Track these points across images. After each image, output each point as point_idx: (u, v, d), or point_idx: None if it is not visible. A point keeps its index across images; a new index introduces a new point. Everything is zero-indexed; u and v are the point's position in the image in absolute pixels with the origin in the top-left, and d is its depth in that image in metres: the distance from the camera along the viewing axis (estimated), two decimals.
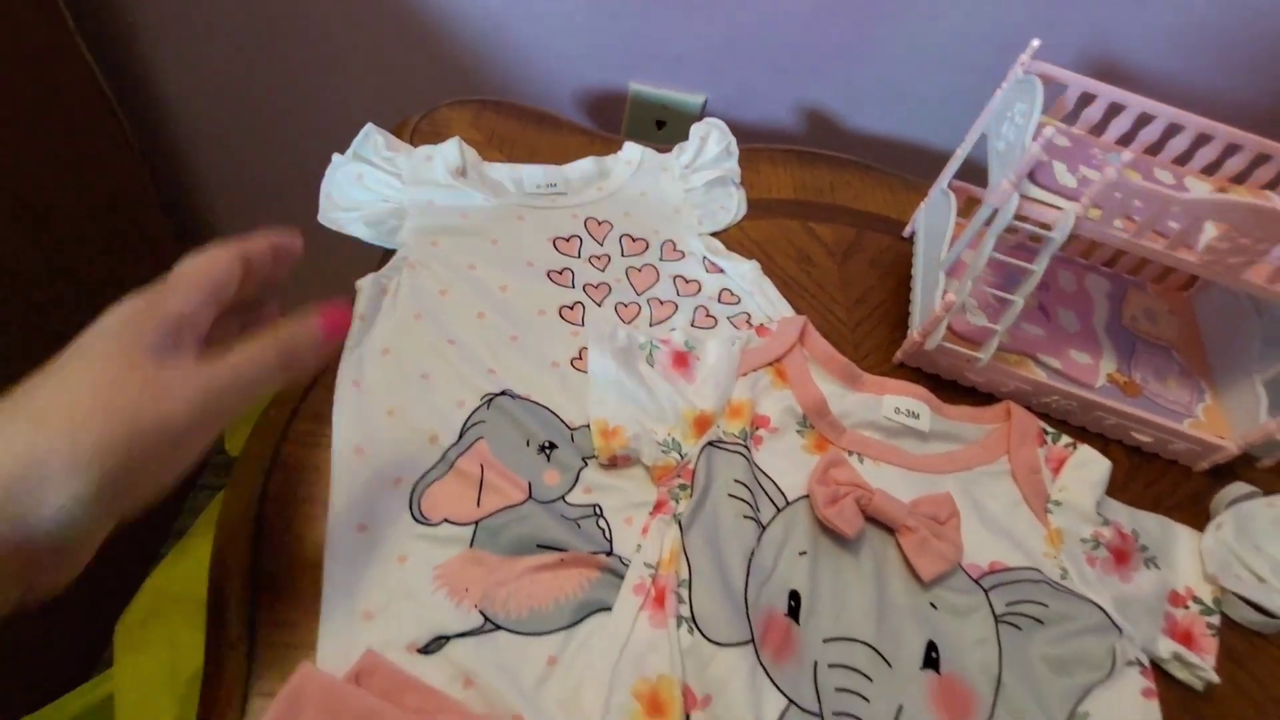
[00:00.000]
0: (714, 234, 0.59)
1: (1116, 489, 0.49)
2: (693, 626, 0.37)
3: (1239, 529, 0.46)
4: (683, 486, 0.42)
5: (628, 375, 0.46)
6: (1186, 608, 0.44)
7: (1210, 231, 0.43)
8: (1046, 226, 0.44)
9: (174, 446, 0.26)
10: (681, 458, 0.43)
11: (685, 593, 0.38)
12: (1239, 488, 0.49)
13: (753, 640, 0.37)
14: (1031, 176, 0.45)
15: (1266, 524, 0.47)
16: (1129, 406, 0.50)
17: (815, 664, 0.38)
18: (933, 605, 0.41)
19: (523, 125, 0.63)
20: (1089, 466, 0.47)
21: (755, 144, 0.66)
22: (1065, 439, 0.48)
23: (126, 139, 0.79)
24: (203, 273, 0.29)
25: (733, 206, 0.60)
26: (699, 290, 0.54)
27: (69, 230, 0.73)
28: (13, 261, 0.67)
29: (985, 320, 0.52)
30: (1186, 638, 0.43)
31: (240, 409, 0.28)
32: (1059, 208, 0.44)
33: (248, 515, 0.38)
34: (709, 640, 0.37)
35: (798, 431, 0.47)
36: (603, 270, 0.54)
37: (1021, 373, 0.51)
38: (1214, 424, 0.51)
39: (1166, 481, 0.51)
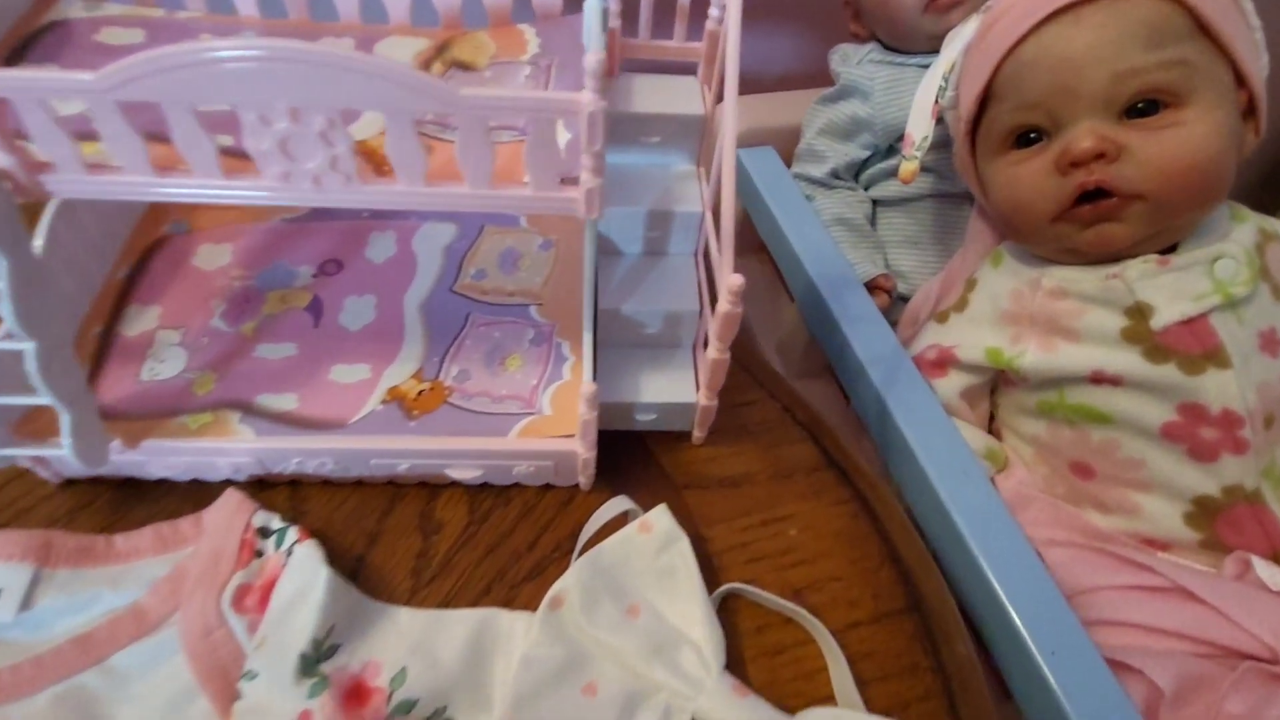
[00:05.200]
0: None
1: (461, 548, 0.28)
2: None
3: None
4: None
5: None
6: None
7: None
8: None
9: None
10: None
11: None
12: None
13: None
14: None
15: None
16: (408, 437, 0.29)
17: None
18: None
19: None
20: (303, 584, 0.26)
21: None
22: (291, 536, 0.27)
23: None
24: None
25: None
26: None
27: None
28: None
29: (180, 366, 0.30)
30: None
31: None
32: None
33: None
34: None
35: None
36: None
37: (209, 442, 0.29)
38: (567, 408, 0.31)
39: (505, 526, 0.31)
